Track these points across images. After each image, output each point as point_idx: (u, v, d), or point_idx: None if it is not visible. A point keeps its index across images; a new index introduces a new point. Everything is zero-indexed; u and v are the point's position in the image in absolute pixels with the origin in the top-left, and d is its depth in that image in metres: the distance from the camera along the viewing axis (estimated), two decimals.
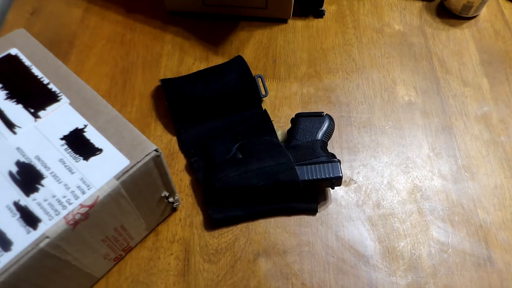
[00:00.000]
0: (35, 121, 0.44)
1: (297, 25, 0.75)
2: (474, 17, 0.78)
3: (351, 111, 0.66)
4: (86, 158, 0.42)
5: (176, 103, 0.61)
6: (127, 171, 0.42)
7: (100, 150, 0.43)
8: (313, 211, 0.57)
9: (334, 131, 0.62)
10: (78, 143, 0.43)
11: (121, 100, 0.65)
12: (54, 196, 0.39)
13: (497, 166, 0.62)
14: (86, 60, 0.69)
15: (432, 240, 0.55)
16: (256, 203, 0.56)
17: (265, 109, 0.64)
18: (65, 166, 0.41)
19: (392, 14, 0.78)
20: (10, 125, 0.44)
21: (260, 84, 0.65)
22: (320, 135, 0.58)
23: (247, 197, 0.55)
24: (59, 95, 0.46)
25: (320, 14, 0.76)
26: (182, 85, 0.62)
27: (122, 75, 0.68)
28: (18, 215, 0.38)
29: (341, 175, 0.54)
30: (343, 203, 0.58)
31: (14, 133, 0.43)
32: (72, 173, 0.41)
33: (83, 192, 0.40)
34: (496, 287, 0.52)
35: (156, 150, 0.43)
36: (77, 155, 0.42)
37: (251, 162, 0.55)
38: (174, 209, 0.56)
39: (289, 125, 0.62)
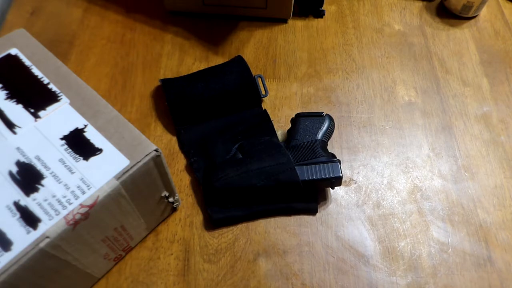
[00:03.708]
0: (35, 121, 0.44)
1: (297, 25, 0.75)
2: (474, 17, 0.78)
3: (351, 111, 0.66)
4: (86, 158, 0.42)
5: (176, 103, 0.61)
6: (127, 171, 0.42)
7: (100, 150, 0.43)
8: (313, 211, 0.57)
9: (334, 131, 0.62)
10: (78, 143, 0.43)
11: (121, 100, 0.65)
12: (54, 196, 0.39)
13: (497, 166, 0.62)
14: (86, 60, 0.69)
15: (432, 240, 0.55)
16: (256, 203, 0.56)
17: (265, 109, 0.64)
18: (65, 166, 0.41)
19: (392, 14, 0.78)
20: (10, 125, 0.44)
21: (260, 84, 0.65)
22: (320, 135, 0.58)
23: (247, 197, 0.55)
24: (59, 95, 0.46)
25: (320, 14, 0.76)
26: (182, 85, 0.62)
27: (122, 75, 0.68)
28: (18, 215, 0.38)
29: (341, 175, 0.54)
30: (343, 203, 0.58)
31: (14, 133, 0.43)
32: (72, 173, 0.41)
33: (83, 192, 0.40)
34: (496, 287, 0.52)
35: (156, 150, 0.43)
36: (77, 155, 0.42)
37: (251, 162, 0.55)
38: (174, 209, 0.56)
39: (289, 125, 0.62)
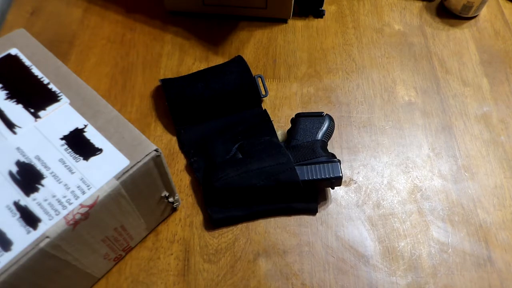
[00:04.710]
0: (35, 121, 0.44)
1: (297, 25, 0.75)
2: (474, 17, 0.78)
3: (351, 111, 0.66)
4: (86, 158, 0.42)
5: (176, 103, 0.61)
6: (127, 171, 0.42)
7: (100, 150, 0.43)
8: (313, 211, 0.57)
9: (334, 131, 0.62)
10: (78, 143, 0.43)
11: (121, 100, 0.65)
12: (54, 196, 0.39)
13: (497, 166, 0.62)
14: (86, 60, 0.69)
15: (432, 240, 0.55)
16: (256, 203, 0.56)
17: (265, 109, 0.64)
18: (65, 166, 0.41)
19: (392, 14, 0.78)
20: (10, 125, 0.44)
21: (260, 84, 0.65)
22: (320, 135, 0.58)
23: (247, 197, 0.55)
24: (59, 95, 0.46)
25: (320, 14, 0.76)
26: (182, 85, 0.62)
27: (122, 75, 0.68)
28: (18, 215, 0.38)
29: (341, 175, 0.54)
30: (343, 203, 0.58)
31: (14, 133, 0.43)
32: (72, 173, 0.41)
33: (83, 192, 0.40)
34: (496, 287, 0.52)
35: (156, 150, 0.43)
36: (77, 155, 0.42)
37: (251, 162, 0.55)
38: (174, 209, 0.56)
39: (289, 125, 0.62)
